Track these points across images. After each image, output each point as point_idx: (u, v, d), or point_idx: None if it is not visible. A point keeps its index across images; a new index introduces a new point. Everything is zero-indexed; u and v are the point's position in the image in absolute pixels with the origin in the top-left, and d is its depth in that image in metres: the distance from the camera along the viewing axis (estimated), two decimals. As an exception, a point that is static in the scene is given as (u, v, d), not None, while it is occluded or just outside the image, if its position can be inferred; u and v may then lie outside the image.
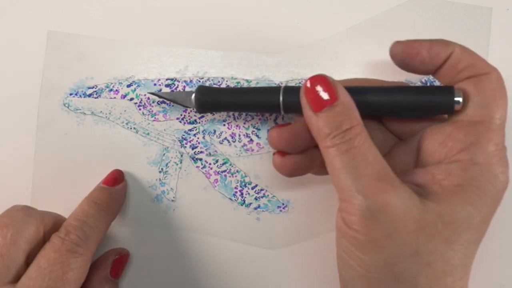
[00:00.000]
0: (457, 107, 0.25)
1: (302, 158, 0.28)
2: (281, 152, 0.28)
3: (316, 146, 0.26)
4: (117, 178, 0.33)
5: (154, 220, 0.35)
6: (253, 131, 0.35)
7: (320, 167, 0.28)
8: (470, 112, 0.24)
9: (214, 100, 0.30)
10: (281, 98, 0.28)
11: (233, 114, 0.35)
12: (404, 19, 0.35)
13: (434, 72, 0.26)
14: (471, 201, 0.23)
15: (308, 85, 0.25)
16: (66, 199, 0.34)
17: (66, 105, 0.35)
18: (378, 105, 0.26)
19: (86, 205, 0.30)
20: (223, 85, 0.35)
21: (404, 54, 0.25)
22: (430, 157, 0.26)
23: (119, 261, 0.33)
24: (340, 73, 0.35)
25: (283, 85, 0.28)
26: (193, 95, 0.31)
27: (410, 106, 0.26)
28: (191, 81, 0.35)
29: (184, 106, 0.32)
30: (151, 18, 0.36)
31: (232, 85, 0.35)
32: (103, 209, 0.30)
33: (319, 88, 0.24)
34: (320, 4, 0.36)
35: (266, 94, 0.29)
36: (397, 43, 0.26)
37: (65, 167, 0.35)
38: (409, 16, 0.35)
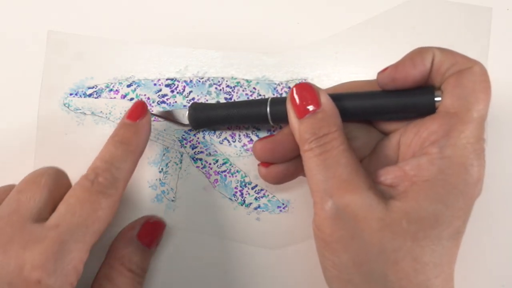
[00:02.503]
0: (438, 106, 0.25)
1: (287, 166, 0.29)
2: (265, 163, 0.30)
3: (300, 154, 0.26)
4: (141, 111, 0.30)
5: (154, 220, 0.35)
6: (253, 131, 0.35)
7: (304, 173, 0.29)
8: (447, 104, 0.24)
9: (207, 115, 0.32)
10: (268, 109, 0.29)
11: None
12: (404, 19, 0.35)
13: (426, 81, 0.26)
14: (438, 196, 0.23)
15: (293, 93, 0.26)
16: (66, 199, 0.34)
17: (66, 105, 0.35)
18: (361, 111, 0.27)
19: (112, 146, 0.29)
20: (223, 85, 0.35)
21: (395, 81, 0.25)
22: (407, 151, 0.26)
23: (148, 226, 0.32)
24: (340, 73, 0.35)
25: (270, 97, 0.31)
26: (187, 113, 0.32)
27: (392, 109, 0.26)
28: (191, 81, 0.35)
29: (179, 124, 0.33)
30: (151, 18, 0.36)
31: (232, 85, 0.35)
32: (129, 148, 0.29)
33: (303, 96, 0.26)
34: (320, 4, 0.36)
35: (255, 106, 0.30)
36: (382, 74, 0.26)
37: (65, 167, 0.35)
38: (409, 16, 0.35)
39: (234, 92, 0.35)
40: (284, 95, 0.35)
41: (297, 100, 0.26)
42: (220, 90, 0.35)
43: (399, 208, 0.23)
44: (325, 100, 0.26)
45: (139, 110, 0.30)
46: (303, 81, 0.35)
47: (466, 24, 0.35)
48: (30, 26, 0.36)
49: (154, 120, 0.35)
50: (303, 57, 0.35)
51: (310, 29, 0.36)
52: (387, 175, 0.25)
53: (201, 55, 0.36)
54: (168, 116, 0.34)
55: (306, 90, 0.26)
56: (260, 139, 0.29)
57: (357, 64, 0.35)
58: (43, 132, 0.35)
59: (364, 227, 0.23)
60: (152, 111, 0.35)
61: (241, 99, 0.35)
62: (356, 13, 0.35)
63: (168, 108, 0.35)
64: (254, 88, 0.35)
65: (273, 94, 0.35)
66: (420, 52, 0.25)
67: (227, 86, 0.35)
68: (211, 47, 0.36)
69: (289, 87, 0.35)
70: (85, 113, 0.35)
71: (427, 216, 0.23)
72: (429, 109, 0.25)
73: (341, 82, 0.30)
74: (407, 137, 0.26)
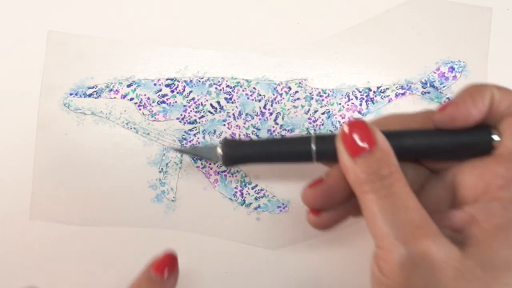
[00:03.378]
0: (495, 145, 0.24)
1: (338, 212, 0.27)
2: (315, 211, 0.27)
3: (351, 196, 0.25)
4: (171, 265, 0.28)
5: (154, 220, 0.35)
6: (253, 131, 0.35)
7: (356, 213, 0.28)
8: (509, 145, 0.23)
9: (241, 153, 0.29)
10: (313, 148, 0.27)
11: (233, 114, 0.35)
12: (404, 19, 0.35)
13: (483, 120, 0.25)
14: None
15: (346, 130, 0.24)
16: (66, 199, 0.34)
17: (66, 105, 0.35)
18: (414, 149, 0.26)
19: None
20: (223, 85, 0.35)
21: (455, 121, 0.24)
22: (467, 193, 0.25)
23: (164, 258, 0.29)
24: (340, 73, 0.35)
25: (314, 133, 0.28)
26: (219, 149, 0.29)
27: (447, 149, 0.25)
28: (191, 81, 0.35)
29: (208, 160, 0.31)
30: (151, 18, 0.36)
31: (232, 85, 0.35)
32: None
33: (356, 134, 0.24)
34: (320, 4, 0.36)
35: (296, 144, 0.28)
36: (442, 113, 0.24)
37: (65, 167, 0.35)
38: (409, 16, 0.35)
39: (234, 92, 0.35)
40: (284, 95, 0.35)
41: (350, 138, 0.24)
42: (220, 90, 0.35)
43: (472, 255, 0.22)
44: (380, 137, 0.24)
45: (169, 263, 0.28)
46: (302, 80, 0.35)
47: (466, 24, 0.35)
48: (30, 26, 0.36)
49: (155, 118, 0.35)
50: (303, 57, 0.35)
51: (310, 29, 0.36)
52: (453, 219, 0.24)
53: (201, 55, 0.35)
54: (196, 152, 0.31)
55: (360, 127, 0.24)
56: (310, 185, 0.27)
57: (357, 64, 0.35)
58: (43, 132, 0.35)
59: (440, 275, 0.22)
60: (176, 144, 0.35)
61: (241, 99, 0.35)
62: (356, 13, 0.35)
63: (168, 108, 0.35)
64: (254, 88, 0.35)
65: (273, 94, 0.35)
66: (479, 90, 0.24)
67: (227, 86, 0.35)
68: (211, 47, 0.36)
69: (289, 87, 0.35)
70: (85, 113, 0.35)
71: (501, 263, 0.22)
72: (486, 149, 0.24)
73: (381, 114, 0.28)
74: (466, 179, 0.25)
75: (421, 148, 0.26)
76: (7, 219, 0.34)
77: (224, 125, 0.35)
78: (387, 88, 0.35)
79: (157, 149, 0.35)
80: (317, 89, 0.35)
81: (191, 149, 0.32)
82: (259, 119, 0.35)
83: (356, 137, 0.24)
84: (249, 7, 0.36)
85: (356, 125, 0.24)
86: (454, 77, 0.35)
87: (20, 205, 0.34)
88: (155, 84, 0.35)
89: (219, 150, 0.29)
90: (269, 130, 0.35)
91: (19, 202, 0.34)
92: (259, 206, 0.34)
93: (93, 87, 0.35)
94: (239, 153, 0.29)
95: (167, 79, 0.35)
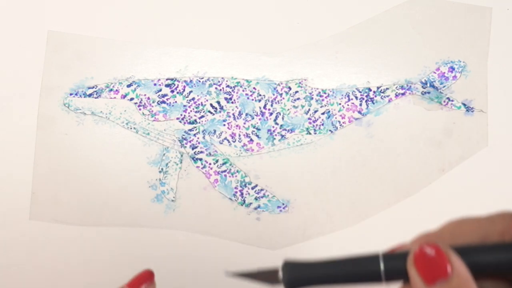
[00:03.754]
0: None
1: None
2: None
3: None
4: (147, 282, 0.28)
5: (154, 220, 0.35)
6: (253, 131, 0.35)
7: None
8: None
9: (305, 277, 0.27)
10: (382, 268, 0.25)
11: (233, 114, 0.35)
12: (404, 19, 0.35)
13: None
14: None
15: (418, 253, 0.23)
16: (66, 198, 0.34)
17: (66, 105, 0.35)
18: (495, 268, 0.24)
19: None
20: (223, 85, 0.35)
21: None
22: None
23: (140, 275, 0.29)
24: (340, 73, 0.35)
25: (381, 252, 0.26)
26: (280, 273, 0.27)
27: None
28: (191, 81, 0.35)
29: (268, 283, 0.30)
30: (151, 18, 0.36)
31: (232, 85, 0.35)
32: None
33: (431, 258, 0.22)
34: (320, 4, 0.36)
35: (363, 264, 0.26)
36: None
37: (65, 167, 0.35)
38: (409, 16, 0.35)
39: (234, 92, 0.35)
40: (284, 95, 0.35)
41: (424, 264, 0.22)
42: (220, 90, 0.35)
43: None
44: (457, 262, 0.22)
45: (146, 279, 0.28)
46: (303, 80, 0.35)
47: (466, 24, 0.35)
48: (30, 26, 0.36)
49: (155, 118, 0.35)
50: (303, 57, 0.35)
51: (310, 29, 0.36)
52: None
53: (201, 55, 0.36)
54: (256, 277, 0.28)
55: (433, 251, 0.23)
56: None
57: (357, 64, 0.35)
58: (43, 132, 0.35)
59: None
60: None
61: (241, 99, 0.35)
62: (356, 13, 0.35)
63: (168, 108, 0.35)
64: (254, 88, 0.35)
65: (273, 94, 0.35)
66: None
67: (227, 86, 0.35)
68: (211, 47, 0.36)
69: (289, 87, 0.35)
70: (85, 113, 0.35)
71: None
72: None
73: (452, 220, 0.26)
74: None
75: (503, 266, 0.23)
76: (7, 219, 0.34)
77: (224, 125, 0.35)
78: (387, 88, 0.35)
79: (157, 149, 0.35)
80: (317, 89, 0.35)
81: (250, 274, 0.30)
82: (259, 119, 0.35)
83: (430, 262, 0.22)
84: (249, 7, 0.36)
85: (430, 247, 0.22)
86: (454, 77, 0.35)
87: (20, 205, 0.34)
88: (155, 84, 0.35)
89: (281, 274, 0.27)
90: (269, 130, 0.35)
91: (19, 202, 0.34)
92: (259, 206, 0.34)
93: (93, 87, 0.35)
94: (302, 277, 0.27)
95: (167, 79, 0.35)
